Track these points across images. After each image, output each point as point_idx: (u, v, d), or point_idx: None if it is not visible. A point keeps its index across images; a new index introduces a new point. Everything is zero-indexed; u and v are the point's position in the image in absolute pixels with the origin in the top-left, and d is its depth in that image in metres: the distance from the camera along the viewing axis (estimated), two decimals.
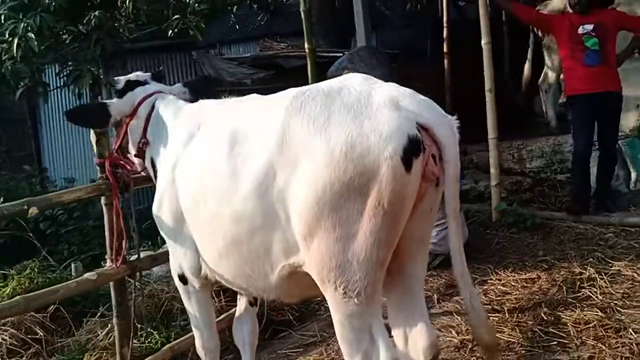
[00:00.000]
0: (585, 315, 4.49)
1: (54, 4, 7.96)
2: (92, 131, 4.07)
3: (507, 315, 4.71)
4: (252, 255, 3.06)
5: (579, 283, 5.10)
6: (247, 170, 2.95)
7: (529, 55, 9.76)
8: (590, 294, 4.86)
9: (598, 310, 4.54)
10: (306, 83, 6.24)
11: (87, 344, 4.95)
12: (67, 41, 8.75)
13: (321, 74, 7.81)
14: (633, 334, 4.12)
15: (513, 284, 5.34)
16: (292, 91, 2.96)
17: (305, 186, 2.67)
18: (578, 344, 4.16)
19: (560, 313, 4.62)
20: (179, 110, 3.84)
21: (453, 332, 4.55)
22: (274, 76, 11.42)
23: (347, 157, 2.55)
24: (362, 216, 2.59)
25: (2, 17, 8.01)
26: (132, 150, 4.04)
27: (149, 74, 4.29)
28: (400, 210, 2.62)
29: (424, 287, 3.12)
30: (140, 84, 4.10)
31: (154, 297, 5.30)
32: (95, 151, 4.09)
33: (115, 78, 4.24)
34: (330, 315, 5.34)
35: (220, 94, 3.96)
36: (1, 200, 8.33)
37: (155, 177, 3.86)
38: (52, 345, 5.02)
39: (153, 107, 3.94)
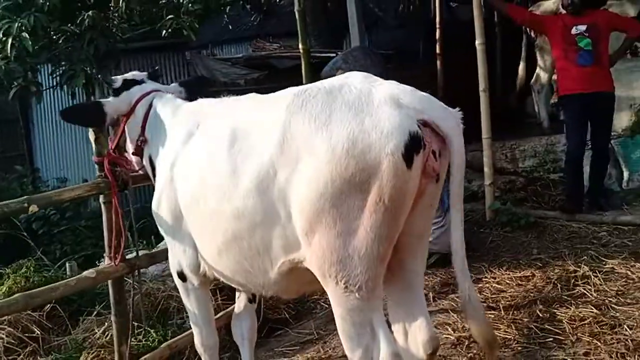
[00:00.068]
0: (580, 312, 4.53)
1: (48, 3, 7.95)
2: (90, 130, 4.07)
3: (502, 312, 4.75)
4: (252, 252, 3.08)
5: (573, 281, 5.14)
6: (247, 168, 2.97)
7: (523, 56, 9.80)
8: (585, 292, 4.91)
9: (593, 308, 4.58)
10: (300, 83, 6.27)
11: (83, 342, 4.95)
12: (61, 41, 8.71)
13: (315, 75, 7.84)
14: (628, 330, 4.17)
15: (508, 282, 5.38)
16: (292, 90, 3.00)
17: (306, 183, 2.70)
18: (574, 340, 4.21)
19: (555, 310, 4.66)
20: (177, 109, 3.86)
21: (449, 330, 4.58)
22: (267, 77, 11.42)
23: (349, 154, 2.58)
24: (362, 212, 2.62)
25: None
26: (130, 149, 4.06)
27: (145, 73, 4.31)
28: (401, 206, 2.65)
29: None
30: (137, 83, 4.12)
31: (150, 296, 5.30)
32: (94, 149, 4.09)
33: (112, 77, 4.25)
34: (326, 314, 5.47)
35: (214, 94, 4.00)
36: None
37: (154, 175, 3.88)
38: (49, 344, 5.02)
39: (151, 105, 3.96)
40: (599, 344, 4.06)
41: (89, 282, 4.01)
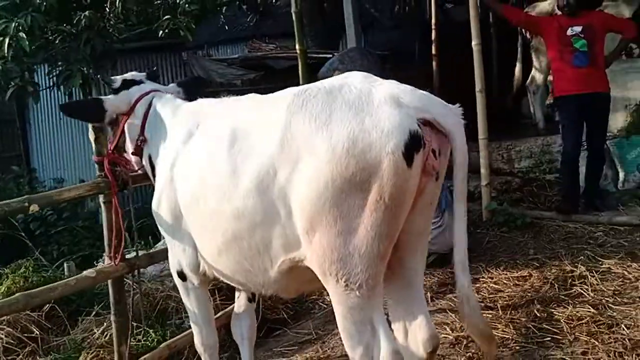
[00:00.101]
0: (577, 312, 4.56)
1: (45, 3, 7.95)
2: (90, 129, 4.09)
3: (500, 312, 4.77)
4: (252, 251, 3.10)
5: (570, 281, 5.16)
6: (247, 168, 2.99)
7: (519, 57, 9.83)
8: (582, 291, 4.93)
9: (590, 307, 4.61)
10: (296, 84, 6.28)
11: (82, 342, 4.96)
12: (57, 41, 8.71)
13: (312, 75, 7.85)
14: (625, 329, 4.20)
15: (505, 281, 5.40)
16: (293, 90, 3.01)
17: (307, 182, 2.72)
18: (571, 339, 4.23)
19: (552, 310, 4.69)
20: (177, 109, 3.88)
21: (447, 329, 4.60)
22: (264, 77, 11.44)
23: (349, 153, 2.60)
24: (363, 211, 2.64)
25: None
26: (130, 149, 4.07)
27: (144, 73, 4.34)
28: (401, 205, 2.67)
29: None
30: (135, 83, 4.15)
31: (148, 296, 5.32)
32: (93, 149, 4.11)
33: (112, 77, 4.27)
34: (324, 314, 5.48)
35: (211, 95, 4.02)
36: None
37: (153, 174, 3.90)
38: (48, 344, 5.03)
39: (150, 105, 3.98)
40: (597, 343, 4.09)
41: (89, 282, 4.02)
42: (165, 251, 4.17)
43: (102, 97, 4.14)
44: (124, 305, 4.28)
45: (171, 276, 5.57)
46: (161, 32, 8.82)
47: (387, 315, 2.98)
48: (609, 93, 6.72)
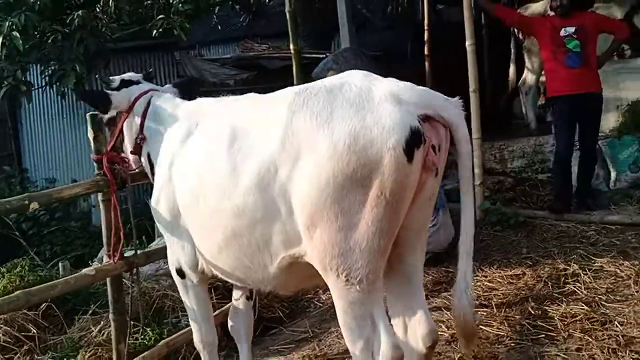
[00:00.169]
0: (571, 309, 4.60)
1: (38, 3, 7.94)
2: (89, 128, 4.11)
3: (495, 310, 4.81)
4: (252, 248, 3.14)
5: (563, 279, 5.20)
6: (248, 166, 3.02)
7: (513, 58, 9.89)
8: (575, 289, 4.97)
9: (583, 305, 4.65)
10: (290, 84, 6.32)
11: (80, 341, 4.97)
12: (50, 40, 8.71)
13: (306, 75, 7.88)
14: (619, 326, 4.24)
15: (499, 280, 5.43)
16: (293, 89, 3.07)
17: (308, 179, 2.76)
18: (565, 336, 4.27)
19: (546, 307, 4.73)
20: (176, 108, 3.91)
21: (443, 327, 4.63)
22: (257, 77, 11.48)
23: (351, 149, 2.64)
24: (364, 206, 2.68)
25: None
26: (129, 147, 4.10)
27: (140, 74, 4.38)
28: (401, 200, 2.72)
29: None
30: (133, 83, 4.20)
31: (145, 295, 5.33)
32: (92, 148, 4.13)
33: (110, 77, 4.32)
34: (320, 312, 5.51)
35: (205, 95, 4.06)
36: None
37: (152, 172, 3.93)
38: (45, 343, 5.04)
39: (149, 103, 4.02)
40: (591, 339, 4.13)
41: (88, 280, 4.05)
42: (163, 250, 4.20)
43: (108, 91, 4.16)
44: (123, 304, 4.30)
45: (167, 275, 5.65)
46: (155, 31, 8.83)
47: (387, 311, 3.02)
48: (602, 93, 6.76)
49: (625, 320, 4.32)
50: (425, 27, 9.75)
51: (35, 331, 5.05)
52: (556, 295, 4.94)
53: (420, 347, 2.99)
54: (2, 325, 4.94)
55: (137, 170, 4.18)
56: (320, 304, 5.63)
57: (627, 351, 3.92)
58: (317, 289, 5.80)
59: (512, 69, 9.93)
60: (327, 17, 12.16)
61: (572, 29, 6.63)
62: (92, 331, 4.97)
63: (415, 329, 3.01)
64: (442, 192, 5.36)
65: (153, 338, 4.77)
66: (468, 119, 6.90)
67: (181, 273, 3.79)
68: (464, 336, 3.02)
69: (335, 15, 9.88)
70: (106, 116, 4.11)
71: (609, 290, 4.90)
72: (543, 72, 8.39)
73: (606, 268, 5.31)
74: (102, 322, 5.04)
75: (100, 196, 4.15)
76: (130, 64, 11.10)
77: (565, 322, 4.44)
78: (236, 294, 4.18)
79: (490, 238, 6.60)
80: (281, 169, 2.87)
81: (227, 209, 3.14)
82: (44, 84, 9.56)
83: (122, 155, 4.19)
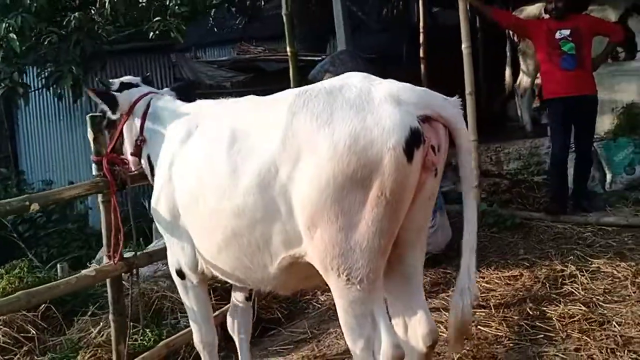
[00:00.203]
0: (569, 310, 4.63)
1: (35, 4, 7.94)
2: (89, 129, 4.13)
3: (493, 310, 4.83)
4: (252, 248, 3.15)
5: (560, 280, 5.23)
6: (248, 167, 3.04)
7: (508, 61, 9.93)
8: (573, 290, 5.00)
9: (581, 305, 4.68)
10: (287, 86, 6.33)
11: (79, 342, 4.98)
12: (47, 42, 8.71)
13: (303, 77, 7.89)
14: (617, 326, 4.28)
15: (497, 281, 5.46)
16: (293, 90, 3.11)
17: (308, 180, 2.78)
18: (564, 337, 4.30)
19: (544, 308, 4.76)
20: (177, 109, 3.94)
21: (442, 328, 4.62)
22: (253, 79, 11.49)
23: (351, 150, 2.67)
24: (364, 206, 2.70)
25: None
26: (129, 149, 4.12)
27: (139, 78, 4.42)
28: (401, 200, 2.74)
29: None
30: (133, 85, 4.23)
31: (144, 296, 5.34)
32: (92, 149, 4.14)
33: (110, 80, 4.35)
34: (319, 313, 5.53)
35: (202, 97, 4.08)
36: None
37: (152, 174, 3.94)
38: (44, 344, 5.04)
39: (149, 105, 4.04)
40: (589, 340, 4.16)
41: (89, 281, 4.06)
42: (163, 251, 4.21)
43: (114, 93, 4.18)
44: (123, 305, 4.30)
45: (165, 276, 5.68)
46: (152, 33, 8.84)
47: (387, 311, 3.04)
48: (597, 95, 6.80)
49: (623, 321, 4.35)
50: (421, 30, 9.79)
51: (34, 332, 5.06)
52: (554, 296, 4.97)
53: (420, 347, 3.01)
54: (1, 327, 4.95)
55: (136, 172, 4.19)
56: (319, 305, 5.64)
57: (626, 351, 3.95)
58: (316, 290, 5.82)
59: (508, 72, 9.97)
60: (323, 19, 12.17)
61: (567, 32, 6.68)
62: (92, 332, 4.98)
63: (415, 329, 3.03)
64: (439, 193, 5.37)
65: (152, 339, 4.78)
66: (464, 122, 7.01)
67: (181, 274, 3.80)
68: (457, 334, 3.00)
69: (331, 18, 9.90)
70: (112, 117, 4.11)
71: (606, 291, 4.93)
72: (538, 75, 8.44)
73: (603, 269, 5.34)
74: (101, 323, 5.04)
75: (100, 197, 4.16)
76: (127, 65, 11.12)
77: (564, 323, 4.47)
78: (239, 296, 4.19)
79: (487, 240, 6.62)
80: (282, 170, 2.89)
81: (227, 210, 3.16)
82: (40, 85, 9.54)
83: (121, 157, 4.21)
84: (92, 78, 9.88)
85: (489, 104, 10.38)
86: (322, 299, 5.72)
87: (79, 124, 11.68)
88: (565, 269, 5.41)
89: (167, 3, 9.31)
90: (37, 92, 10.40)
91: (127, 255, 4.30)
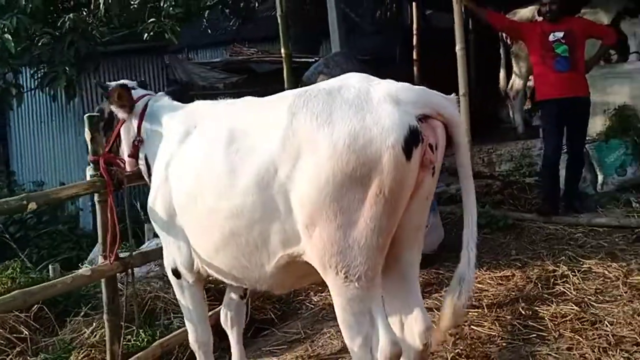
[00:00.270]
0: (561, 310, 4.66)
1: (30, 5, 7.94)
2: (86, 129, 4.13)
3: (485, 310, 4.86)
4: (250, 247, 3.17)
5: (552, 280, 5.26)
6: (247, 166, 3.07)
7: (502, 64, 9.98)
8: (565, 290, 5.03)
9: (573, 305, 4.71)
10: (280, 87, 6.32)
11: (72, 342, 4.96)
12: (41, 43, 8.71)
13: (297, 79, 7.92)
14: (609, 325, 4.31)
15: (489, 281, 5.48)
16: (293, 91, 3.16)
17: (308, 179, 2.81)
18: (556, 336, 4.33)
19: (537, 308, 4.78)
20: (175, 110, 3.96)
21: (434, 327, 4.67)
22: (246, 81, 11.50)
23: (350, 148, 2.70)
24: (363, 204, 2.74)
25: None
26: (126, 151, 4.14)
27: (135, 82, 4.46)
28: (400, 198, 2.78)
29: None
30: (130, 88, 4.23)
31: (136, 297, 5.33)
32: (89, 149, 4.14)
33: (107, 83, 4.37)
34: (312, 314, 5.54)
35: (196, 98, 4.11)
36: None
37: (149, 174, 3.95)
38: (37, 345, 5.02)
39: (145, 107, 4.06)
40: (581, 339, 4.19)
41: (84, 280, 4.07)
42: (157, 251, 4.21)
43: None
44: (117, 305, 4.31)
45: (158, 277, 5.68)
46: (146, 35, 8.85)
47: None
48: (589, 97, 6.85)
49: (615, 320, 4.39)
50: (414, 32, 9.84)
51: (27, 333, 5.04)
52: (546, 295, 5.00)
53: (417, 344, 3.04)
54: None
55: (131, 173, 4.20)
56: (312, 306, 5.65)
57: (618, 350, 3.98)
58: (309, 291, 5.83)
59: (502, 75, 10.02)
60: (316, 21, 12.21)
61: (560, 34, 6.72)
62: (84, 333, 4.97)
63: (412, 326, 3.06)
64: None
65: (146, 339, 4.77)
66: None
67: (177, 273, 3.81)
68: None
69: (324, 20, 9.94)
70: (122, 116, 4.11)
71: (597, 291, 4.97)
72: (530, 77, 8.50)
73: (594, 269, 5.38)
74: (94, 324, 5.03)
75: (96, 197, 4.16)
76: (120, 67, 11.11)
77: (556, 322, 4.50)
78: (233, 295, 4.21)
79: (479, 240, 6.46)
80: (281, 169, 2.91)
81: (224, 209, 3.18)
82: (33, 86, 9.53)
83: (118, 160, 4.22)
84: (85, 79, 9.88)
85: (482, 105, 10.41)
86: (315, 300, 5.73)
87: (71, 125, 11.67)
88: (557, 269, 5.44)
89: (162, 4, 9.32)
90: (29, 93, 10.36)
91: (122, 255, 4.30)
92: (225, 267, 3.46)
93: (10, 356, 4.85)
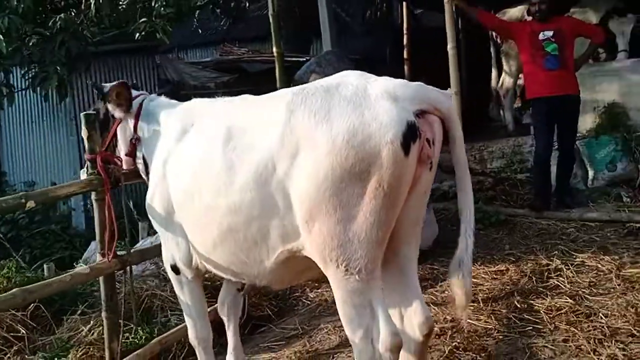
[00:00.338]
0: (556, 303, 4.71)
1: (22, 5, 7.92)
2: (83, 127, 4.14)
3: (481, 304, 4.90)
4: (249, 243, 3.20)
5: (546, 274, 5.32)
6: (245, 164, 3.10)
7: (494, 63, 10.03)
8: (559, 283, 5.08)
9: (568, 298, 4.76)
10: (272, 86, 6.34)
11: (69, 341, 4.96)
12: (33, 43, 8.69)
13: (289, 78, 7.95)
14: (603, 318, 4.35)
15: (484, 276, 5.54)
16: (291, 89, 3.20)
17: (307, 175, 2.84)
18: (552, 328, 4.38)
19: (532, 301, 4.83)
20: (172, 108, 3.98)
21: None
22: (238, 80, 11.51)
23: (349, 144, 2.74)
24: (362, 199, 2.77)
25: None
26: (123, 150, 4.15)
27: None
28: (398, 193, 2.82)
29: None
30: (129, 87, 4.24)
31: (133, 295, 5.34)
32: (86, 147, 4.15)
33: (102, 84, 4.38)
34: (309, 310, 5.57)
35: (188, 98, 4.13)
36: None
37: (147, 172, 3.97)
38: (34, 343, 5.02)
39: (141, 106, 4.07)
40: (577, 331, 4.24)
41: (83, 278, 4.08)
42: (154, 249, 4.22)
43: None
44: (116, 302, 4.32)
45: (154, 275, 5.69)
46: (137, 34, 8.85)
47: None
48: (579, 95, 6.93)
49: (610, 313, 4.44)
50: (405, 32, 9.88)
51: (24, 332, 5.03)
52: (540, 289, 5.05)
53: (417, 335, 3.08)
54: None
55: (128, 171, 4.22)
56: (309, 302, 5.69)
57: (613, 341, 4.03)
58: (305, 287, 5.86)
59: (494, 74, 10.08)
60: (307, 21, 12.23)
61: (550, 33, 6.80)
62: (82, 331, 4.96)
63: (411, 318, 3.10)
64: None
65: (144, 337, 4.78)
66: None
67: (176, 269, 3.84)
68: (464, 298, 3.06)
69: (315, 20, 9.97)
70: (119, 116, 4.12)
71: (591, 284, 5.02)
72: (520, 75, 8.56)
73: (587, 263, 5.44)
74: (91, 322, 5.03)
75: (94, 195, 4.17)
76: (111, 66, 11.09)
77: (551, 315, 4.55)
78: (231, 288, 4.23)
79: None
80: (279, 166, 2.94)
81: (222, 206, 3.20)
82: (24, 86, 9.51)
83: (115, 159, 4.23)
84: (76, 79, 9.87)
85: (471, 103, 10.47)
86: (312, 296, 5.77)
87: (62, 125, 11.63)
88: (551, 263, 5.50)
89: (153, 4, 9.32)
90: (20, 93, 10.33)
91: (120, 253, 4.31)
92: (223, 263, 3.49)
93: (8, 355, 4.85)
